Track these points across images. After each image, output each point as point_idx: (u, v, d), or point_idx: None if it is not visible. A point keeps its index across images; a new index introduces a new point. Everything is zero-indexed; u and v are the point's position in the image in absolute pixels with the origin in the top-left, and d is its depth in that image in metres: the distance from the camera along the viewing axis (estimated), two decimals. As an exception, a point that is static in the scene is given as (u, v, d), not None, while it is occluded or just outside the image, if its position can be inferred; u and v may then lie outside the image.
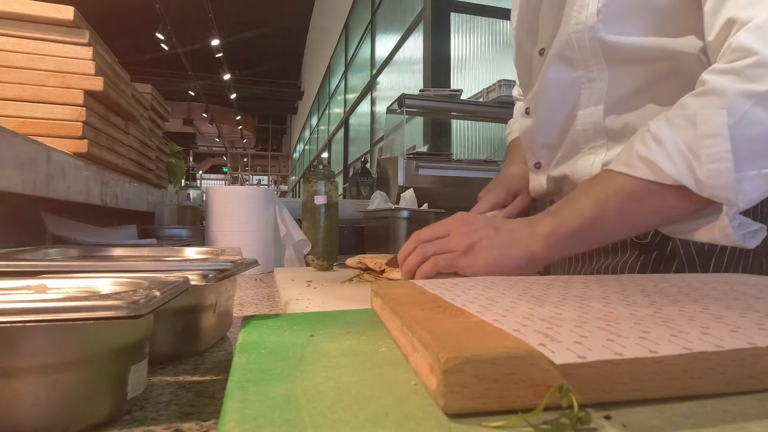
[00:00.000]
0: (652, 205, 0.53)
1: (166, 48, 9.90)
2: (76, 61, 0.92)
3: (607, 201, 0.54)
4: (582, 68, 0.68)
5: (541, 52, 0.75)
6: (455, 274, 0.55)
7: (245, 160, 21.46)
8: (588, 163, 0.72)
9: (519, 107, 1.00)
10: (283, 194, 15.03)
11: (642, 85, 0.66)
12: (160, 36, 9.41)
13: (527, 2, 0.78)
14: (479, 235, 0.55)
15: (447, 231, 0.57)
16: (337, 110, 9.05)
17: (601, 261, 0.76)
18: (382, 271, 0.69)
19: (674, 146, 0.51)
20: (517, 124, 0.91)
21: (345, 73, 8.25)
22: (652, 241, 0.69)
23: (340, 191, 3.66)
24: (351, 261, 0.78)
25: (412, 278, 0.56)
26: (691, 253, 0.67)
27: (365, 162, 2.81)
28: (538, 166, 0.81)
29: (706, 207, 0.52)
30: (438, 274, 0.55)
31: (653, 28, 0.64)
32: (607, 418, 0.21)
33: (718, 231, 0.52)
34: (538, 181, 0.82)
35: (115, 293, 0.28)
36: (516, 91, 1.05)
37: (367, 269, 0.74)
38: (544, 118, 0.76)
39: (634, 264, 0.71)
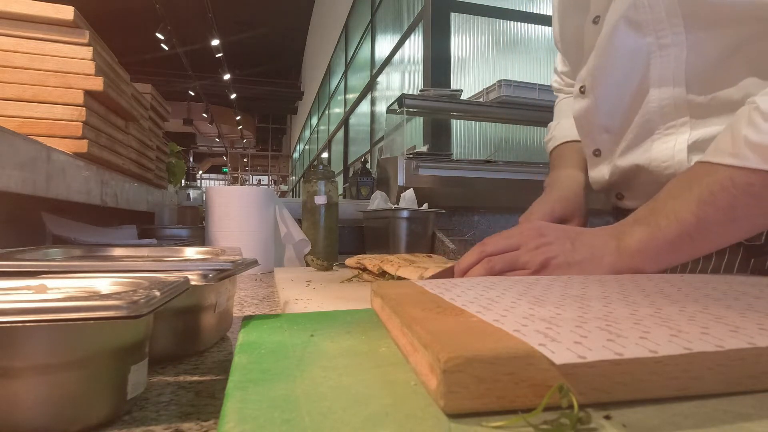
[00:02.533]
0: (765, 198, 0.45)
1: (166, 48, 9.90)
2: (76, 61, 0.92)
3: (714, 201, 0.46)
4: (652, 33, 0.58)
5: (596, 21, 0.65)
6: None
7: (245, 160, 21.45)
8: (669, 147, 0.61)
9: (563, 105, 0.89)
10: (283, 194, 15.02)
11: (730, 50, 0.56)
12: (160, 36, 9.40)
13: None
14: (554, 251, 0.48)
15: (517, 244, 0.50)
16: (337, 110, 9.05)
17: (699, 265, 0.66)
18: (381, 273, 0.69)
19: None
20: (569, 110, 0.79)
21: (345, 73, 8.25)
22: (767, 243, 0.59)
23: (340, 191, 3.66)
24: (350, 261, 0.78)
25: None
26: None
27: (365, 162, 2.81)
28: (597, 153, 0.72)
29: None
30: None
31: None
32: (607, 418, 0.21)
33: None
34: (600, 172, 0.72)
35: (115, 293, 0.28)
36: (557, 81, 0.92)
37: (365, 269, 0.74)
38: (605, 96, 0.66)
39: (743, 265, 0.62)
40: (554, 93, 0.94)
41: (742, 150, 0.45)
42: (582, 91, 0.69)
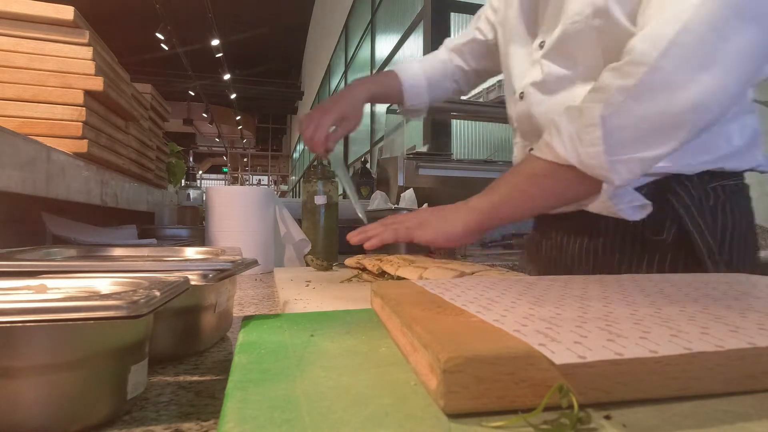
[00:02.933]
0: (551, 184, 0.64)
1: (166, 48, 9.90)
2: (76, 61, 0.92)
3: (519, 180, 0.67)
4: (573, 67, 0.74)
5: (541, 45, 0.79)
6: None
7: (245, 160, 21.46)
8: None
9: (436, 57, 1.07)
10: (283, 194, 15.02)
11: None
12: (160, 36, 9.40)
13: None
14: (428, 214, 0.70)
15: (405, 216, 0.72)
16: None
17: (601, 257, 0.79)
18: (381, 273, 0.69)
19: (567, 133, 0.61)
20: (434, 61, 1.06)
21: (345, 73, 8.24)
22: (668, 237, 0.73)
23: (340, 191, 3.65)
24: (350, 261, 0.78)
25: (373, 245, 0.69)
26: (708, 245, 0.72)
27: (365, 162, 2.81)
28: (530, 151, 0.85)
29: (598, 187, 0.62)
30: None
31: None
32: (607, 418, 0.21)
33: (600, 204, 0.63)
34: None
35: (115, 293, 0.28)
36: (442, 48, 1.09)
37: (365, 270, 0.74)
38: (538, 103, 0.81)
39: (649, 261, 0.74)
40: (446, 45, 1.09)
41: (541, 145, 0.64)
42: (521, 97, 0.83)
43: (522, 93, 0.82)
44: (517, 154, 0.93)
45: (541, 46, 0.79)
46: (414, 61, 1.08)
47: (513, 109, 0.88)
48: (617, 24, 0.67)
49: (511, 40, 0.87)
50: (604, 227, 0.77)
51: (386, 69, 1.03)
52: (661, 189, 0.72)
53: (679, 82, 0.56)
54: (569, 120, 0.61)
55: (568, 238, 0.85)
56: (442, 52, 1.09)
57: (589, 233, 0.80)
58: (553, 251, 0.88)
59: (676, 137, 0.58)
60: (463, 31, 1.08)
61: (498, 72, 1.05)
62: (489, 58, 1.03)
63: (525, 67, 0.84)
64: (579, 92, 0.71)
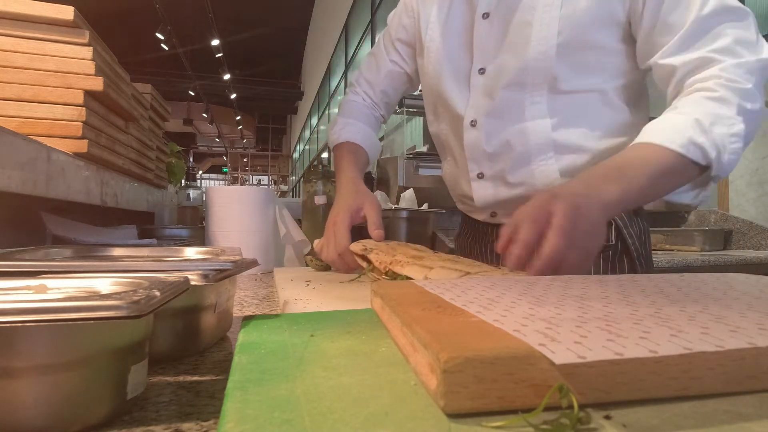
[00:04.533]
0: (680, 179, 0.67)
1: (166, 48, 9.90)
2: (76, 61, 0.92)
3: (655, 173, 0.64)
4: (528, 92, 0.81)
5: (482, 71, 0.85)
6: None
7: (245, 160, 21.46)
8: (548, 174, 0.84)
9: (354, 106, 1.11)
10: (283, 194, 15.02)
11: (578, 110, 0.82)
12: (160, 36, 9.41)
13: (460, 20, 0.88)
14: (571, 226, 0.57)
15: (540, 230, 0.57)
16: (337, 110, 9.04)
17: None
18: (386, 273, 0.67)
19: (717, 138, 0.64)
20: (358, 114, 1.09)
21: (345, 73, 8.24)
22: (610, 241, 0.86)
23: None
24: (355, 246, 0.75)
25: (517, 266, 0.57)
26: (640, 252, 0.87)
27: (365, 162, 2.80)
28: (481, 176, 0.91)
29: (698, 179, 0.68)
30: None
31: (595, 66, 0.80)
32: (607, 418, 0.21)
33: (702, 195, 0.72)
34: (485, 190, 0.91)
35: (115, 293, 0.28)
36: (365, 92, 1.12)
37: (368, 260, 0.72)
38: (492, 132, 0.86)
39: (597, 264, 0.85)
40: (351, 96, 1.14)
41: (689, 145, 0.64)
42: (473, 124, 0.87)
43: (474, 121, 0.87)
44: (457, 181, 0.97)
45: (481, 72, 0.85)
46: (353, 123, 1.08)
47: (457, 135, 0.91)
48: (578, 54, 0.78)
49: (443, 68, 0.90)
50: None
51: (339, 139, 1.05)
52: None
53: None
54: (719, 126, 0.65)
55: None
56: (363, 102, 1.12)
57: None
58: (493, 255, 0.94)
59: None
60: None
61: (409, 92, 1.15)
62: (410, 86, 1.12)
63: (465, 94, 0.88)
64: (529, 117, 0.82)
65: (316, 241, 0.86)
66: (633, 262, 0.86)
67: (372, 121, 1.11)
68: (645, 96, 0.87)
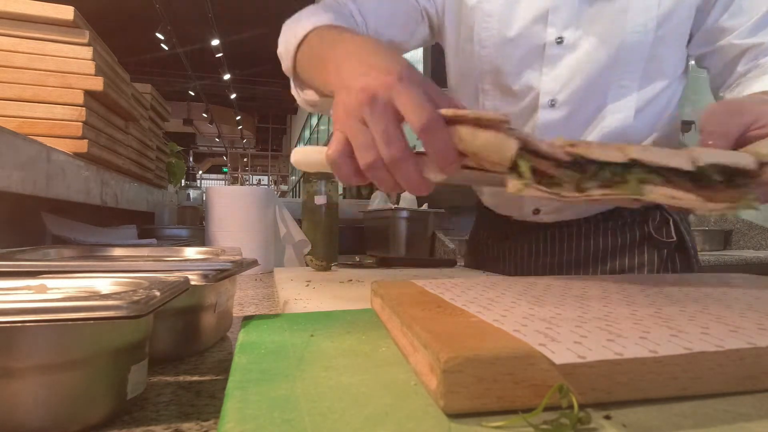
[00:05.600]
0: None
1: (166, 48, 9.90)
2: (76, 61, 0.92)
3: None
4: (618, 73, 0.73)
5: (559, 41, 0.72)
6: None
7: (245, 160, 21.46)
8: None
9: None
10: (283, 194, 15.02)
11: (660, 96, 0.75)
12: (160, 36, 9.41)
13: None
14: None
15: None
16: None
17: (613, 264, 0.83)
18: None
19: None
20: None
21: (345, 73, 8.23)
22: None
23: (341, 191, 3.65)
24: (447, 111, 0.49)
25: None
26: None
27: (365, 162, 2.80)
28: None
29: None
30: None
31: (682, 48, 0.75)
32: (607, 418, 0.21)
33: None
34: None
35: (115, 293, 0.28)
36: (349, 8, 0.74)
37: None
38: (572, 114, 0.75)
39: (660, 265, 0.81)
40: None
41: None
42: (552, 104, 0.75)
43: (553, 101, 0.75)
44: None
45: (558, 42, 0.72)
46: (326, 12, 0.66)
47: (522, 116, 0.77)
48: (676, 34, 0.73)
49: (507, 32, 0.74)
50: (612, 227, 0.83)
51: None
52: None
53: None
54: None
55: (552, 244, 0.86)
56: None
57: (593, 235, 0.84)
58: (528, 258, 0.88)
59: None
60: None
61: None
62: (423, 36, 0.83)
63: (536, 68, 0.74)
64: (611, 100, 0.74)
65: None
66: (690, 258, 0.83)
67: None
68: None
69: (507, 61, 0.76)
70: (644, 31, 0.70)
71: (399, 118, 0.39)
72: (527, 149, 0.37)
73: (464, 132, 0.37)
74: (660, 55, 0.73)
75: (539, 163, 0.37)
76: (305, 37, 0.62)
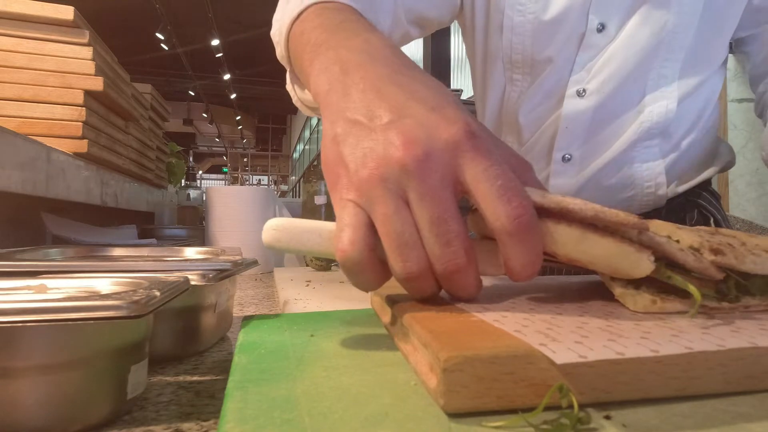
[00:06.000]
0: None
1: (166, 48, 9.91)
2: (76, 61, 0.92)
3: None
4: (659, 61, 0.66)
5: (600, 29, 0.67)
6: None
7: (245, 160, 21.46)
8: (652, 168, 0.71)
9: None
10: (283, 194, 15.02)
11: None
12: (160, 36, 9.41)
13: None
14: None
15: None
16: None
17: None
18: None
19: None
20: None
21: (345, 73, 8.23)
22: None
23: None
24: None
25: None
26: None
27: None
28: (567, 158, 0.72)
29: None
30: None
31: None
32: (607, 418, 0.20)
33: None
34: (567, 177, 0.73)
35: (115, 293, 0.28)
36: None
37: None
38: (603, 105, 0.69)
39: None
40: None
41: None
42: (580, 94, 0.69)
43: (583, 90, 0.69)
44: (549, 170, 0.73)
45: (599, 29, 0.67)
46: None
47: (546, 104, 0.72)
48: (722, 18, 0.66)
49: (546, 16, 0.68)
50: None
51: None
52: (692, 197, 0.76)
53: None
54: None
55: None
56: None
57: None
58: None
59: None
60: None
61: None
62: (450, 12, 0.75)
63: (570, 55, 0.69)
64: (650, 90, 0.68)
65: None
66: None
67: None
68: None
69: (540, 48, 0.70)
70: (690, 12, 0.64)
71: (458, 198, 0.28)
72: (665, 262, 0.29)
73: (564, 234, 0.27)
74: (704, 40, 0.66)
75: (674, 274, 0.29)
76: (300, 13, 0.49)
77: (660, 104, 0.68)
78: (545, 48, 0.70)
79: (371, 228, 0.27)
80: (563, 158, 0.72)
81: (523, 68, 0.72)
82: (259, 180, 21.25)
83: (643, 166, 0.71)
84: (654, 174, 0.71)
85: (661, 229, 0.34)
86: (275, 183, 20.52)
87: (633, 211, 0.76)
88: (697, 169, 0.75)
